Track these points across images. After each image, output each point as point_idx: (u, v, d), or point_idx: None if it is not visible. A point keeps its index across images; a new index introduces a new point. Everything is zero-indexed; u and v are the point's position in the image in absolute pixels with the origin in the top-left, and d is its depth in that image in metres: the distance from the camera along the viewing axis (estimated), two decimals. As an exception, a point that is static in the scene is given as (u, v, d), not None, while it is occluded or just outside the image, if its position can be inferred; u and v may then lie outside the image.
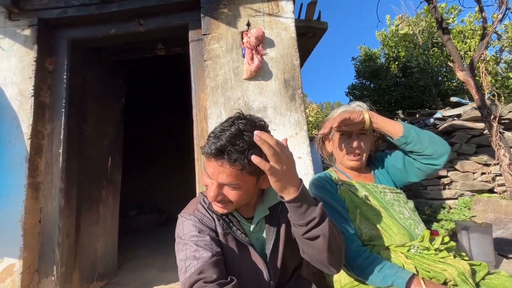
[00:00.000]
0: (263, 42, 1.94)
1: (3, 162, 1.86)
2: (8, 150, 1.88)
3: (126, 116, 4.66)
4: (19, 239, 1.76)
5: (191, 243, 0.79)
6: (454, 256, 1.00)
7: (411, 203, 1.16)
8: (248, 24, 2.01)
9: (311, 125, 16.97)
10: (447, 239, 1.07)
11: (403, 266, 0.97)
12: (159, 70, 4.65)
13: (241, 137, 0.73)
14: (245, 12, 2.03)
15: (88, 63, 2.39)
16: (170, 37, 2.37)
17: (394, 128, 1.04)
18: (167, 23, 2.13)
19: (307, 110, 18.47)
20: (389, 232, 1.04)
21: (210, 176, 0.77)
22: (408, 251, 1.02)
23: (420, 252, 1.00)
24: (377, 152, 1.30)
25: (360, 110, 1.09)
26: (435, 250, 1.00)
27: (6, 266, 1.74)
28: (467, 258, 1.03)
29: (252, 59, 1.87)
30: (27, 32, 2.04)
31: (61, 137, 2.00)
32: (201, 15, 2.03)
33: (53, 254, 1.86)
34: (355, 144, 1.12)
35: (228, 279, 0.75)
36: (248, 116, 0.80)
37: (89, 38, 2.17)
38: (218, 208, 0.82)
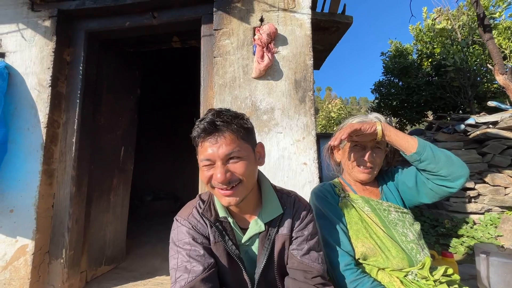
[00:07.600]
0: (275, 39, 1.84)
1: (21, 149, 1.97)
2: (27, 137, 1.98)
3: (147, 106, 4.84)
4: (32, 222, 1.88)
5: (183, 252, 0.79)
6: (456, 291, 0.90)
7: (417, 226, 1.07)
8: (261, 20, 1.91)
9: (333, 121, 16.49)
10: (450, 271, 0.97)
11: None
12: (183, 64, 4.67)
13: (222, 113, 0.79)
14: (259, 7, 1.93)
15: (105, 55, 2.43)
16: (185, 31, 2.34)
17: (408, 143, 0.98)
18: (181, 17, 2.09)
19: (329, 105, 17.93)
20: (386, 254, 0.97)
21: (210, 158, 0.75)
22: (405, 276, 0.94)
23: (417, 280, 0.92)
24: (389, 167, 1.21)
25: (374, 122, 1.02)
26: (434, 281, 0.91)
27: (20, 246, 1.86)
28: None
29: (262, 57, 1.79)
30: (47, 23, 2.10)
31: (75, 127, 2.08)
32: (214, 9, 1.97)
33: (63, 238, 1.97)
34: (368, 157, 1.06)
35: None
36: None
37: (105, 30, 2.20)
38: (228, 199, 0.77)
